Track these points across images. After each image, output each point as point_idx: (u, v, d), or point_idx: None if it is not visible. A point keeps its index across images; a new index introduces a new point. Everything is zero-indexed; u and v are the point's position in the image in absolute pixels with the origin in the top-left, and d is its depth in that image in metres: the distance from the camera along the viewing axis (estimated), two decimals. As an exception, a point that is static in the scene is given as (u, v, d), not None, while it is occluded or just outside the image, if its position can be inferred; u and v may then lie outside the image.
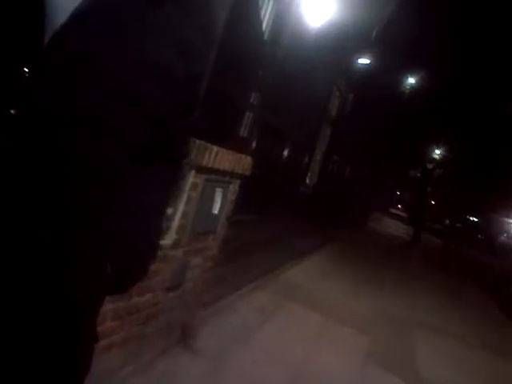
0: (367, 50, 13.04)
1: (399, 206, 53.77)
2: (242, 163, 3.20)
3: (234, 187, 3.28)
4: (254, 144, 6.84)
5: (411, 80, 18.98)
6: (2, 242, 0.80)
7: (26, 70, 0.77)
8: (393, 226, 25.48)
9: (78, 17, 0.80)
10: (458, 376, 4.43)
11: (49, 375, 0.89)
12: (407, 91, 19.16)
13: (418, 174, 26.53)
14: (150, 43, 0.89)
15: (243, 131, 6.31)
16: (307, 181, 13.28)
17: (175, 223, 2.50)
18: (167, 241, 2.41)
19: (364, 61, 13.77)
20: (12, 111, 0.77)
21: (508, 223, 31.29)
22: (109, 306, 1.86)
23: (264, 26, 6.00)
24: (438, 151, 23.04)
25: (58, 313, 0.88)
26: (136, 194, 0.99)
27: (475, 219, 33.27)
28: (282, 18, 6.47)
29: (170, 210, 2.37)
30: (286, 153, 10.98)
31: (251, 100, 6.51)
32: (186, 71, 0.97)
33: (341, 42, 9.95)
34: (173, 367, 2.70)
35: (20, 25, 0.77)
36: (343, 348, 4.13)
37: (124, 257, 0.99)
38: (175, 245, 2.51)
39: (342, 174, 17.22)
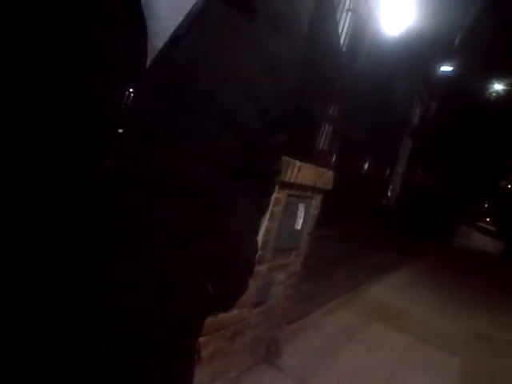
0: (450, 57, 12.51)
1: (487, 219, 50.69)
2: (324, 178, 3.16)
3: (316, 202, 3.24)
4: (334, 157, 6.76)
5: (497, 86, 17.95)
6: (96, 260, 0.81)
7: (132, 90, 0.80)
8: (481, 241, 24.01)
9: (177, 37, 0.81)
10: None
11: None
12: (493, 98, 18.13)
13: (509, 185, 24.96)
14: (245, 61, 0.89)
15: (323, 144, 6.26)
16: (389, 194, 12.89)
17: (259, 239, 2.50)
18: (252, 257, 2.41)
19: (447, 68, 13.22)
20: (120, 130, 0.78)
21: None
22: (198, 322, 1.88)
23: (342, 37, 5.94)
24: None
25: (168, 332, 0.89)
26: (232, 212, 1.00)
27: None
28: (359, 29, 6.37)
29: (255, 226, 2.38)
30: (366, 165, 10.75)
31: (330, 112, 6.44)
32: (277, 88, 0.96)
33: (422, 50, 9.63)
34: (258, 384, 2.68)
35: (125, 46, 0.80)
36: (432, 371, 3.91)
37: (224, 277, 1.00)
38: (260, 261, 2.51)
39: (425, 186, 16.53)
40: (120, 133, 0.79)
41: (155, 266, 0.85)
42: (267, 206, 1.17)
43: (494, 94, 18.11)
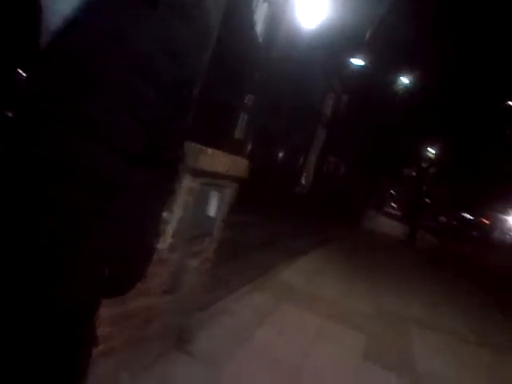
0: (361, 51, 13.07)
1: (394, 204, 53.85)
2: (238, 166, 3.20)
3: (230, 190, 3.28)
4: (249, 146, 6.86)
5: (405, 79, 19.04)
6: None
7: (23, 72, 0.78)
8: (388, 225, 25.50)
9: (74, 19, 0.80)
10: (457, 373, 4.44)
11: (47, 380, 0.90)
12: (401, 91, 19.23)
13: (413, 173, 26.67)
14: (144, 46, 0.90)
15: (238, 133, 6.34)
16: (302, 181, 13.31)
17: (171, 227, 2.50)
18: (163, 244, 2.41)
19: (358, 61, 13.81)
20: (9, 114, 0.78)
21: (502, 220, 31.49)
22: (105, 312, 1.86)
23: (258, 29, 6.01)
24: (432, 150, 23.13)
25: (57, 317, 0.88)
26: (132, 198, 1.00)
27: (469, 216, 33.40)
28: (275, 20, 6.48)
29: (165, 214, 2.38)
30: (281, 154, 11.00)
31: (246, 102, 6.53)
32: (179, 74, 0.98)
33: (334, 44, 9.98)
34: (170, 371, 2.70)
35: (16, 27, 0.78)
36: (341, 347, 4.14)
37: (121, 261, 1.00)
38: (171, 248, 2.51)
39: (337, 174, 17.25)
40: (10, 116, 0.76)
41: (48, 250, 0.84)
42: (171, 192, 1.18)
43: (401, 87, 19.20)
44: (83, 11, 0.80)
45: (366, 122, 15.59)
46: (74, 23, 0.80)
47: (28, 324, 0.85)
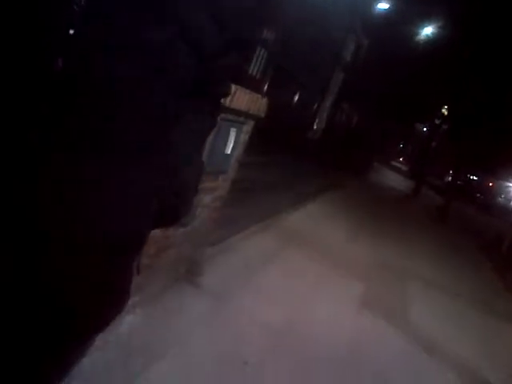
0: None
1: (401, 158, 53.72)
2: (258, 104, 3.14)
3: (248, 128, 3.24)
4: (266, 85, 6.70)
5: (427, 30, 18.40)
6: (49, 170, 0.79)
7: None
8: (393, 178, 25.51)
9: None
10: (448, 328, 4.56)
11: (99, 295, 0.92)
12: (423, 41, 18.62)
13: (425, 128, 26.35)
14: None
15: (256, 70, 6.15)
16: (315, 126, 13.17)
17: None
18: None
19: (383, 5, 13.27)
20: (71, 31, 0.75)
21: (506, 186, 31.42)
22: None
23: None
24: (446, 106, 22.70)
25: (106, 250, 0.88)
26: (180, 131, 0.98)
27: (475, 178, 33.31)
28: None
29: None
30: (296, 96, 10.79)
31: (265, 37, 6.29)
32: (238, 4, 0.94)
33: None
34: (178, 300, 2.77)
35: None
36: (340, 294, 4.23)
37: (171, 194, 0.99)
38: (188, 182, 2.49)
39: (349, 123, 17.04)
40: (71, 34, 0.74)
41: (101, 174, 0.82)
42: (214, 126, 1.15)
43: (424, 38, 18.58)
44: None
45: (385, 71, 15.20)
46: None
47: (79, 255, 0.86)
